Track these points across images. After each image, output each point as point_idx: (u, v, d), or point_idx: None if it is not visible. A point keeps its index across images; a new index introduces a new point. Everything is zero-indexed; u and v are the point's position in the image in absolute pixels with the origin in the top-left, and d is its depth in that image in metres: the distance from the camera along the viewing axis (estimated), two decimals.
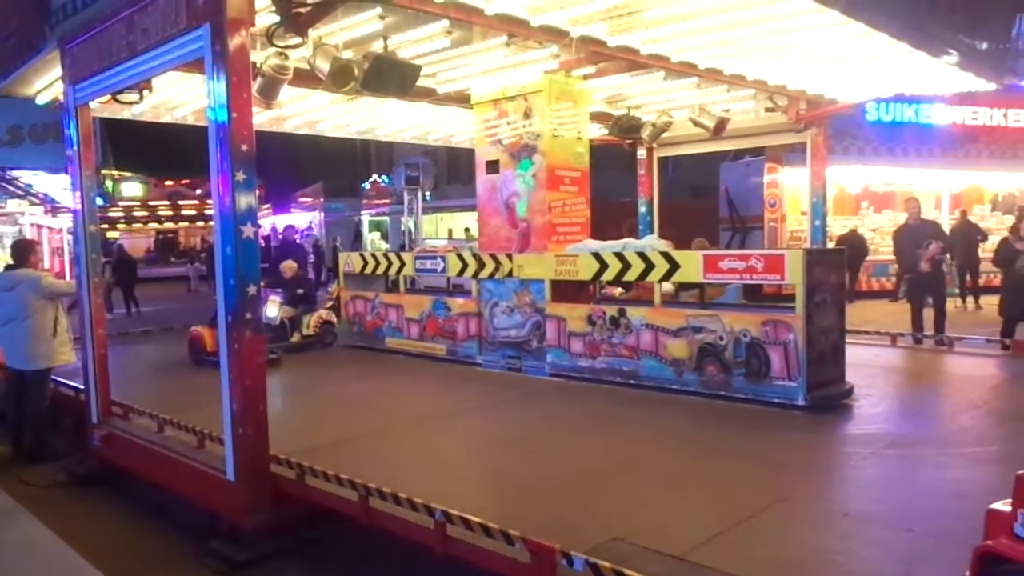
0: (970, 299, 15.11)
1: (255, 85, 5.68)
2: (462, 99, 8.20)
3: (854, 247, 16.38)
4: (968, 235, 14.97)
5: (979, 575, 2.61)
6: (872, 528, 3.59)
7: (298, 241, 23.88)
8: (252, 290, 4.57)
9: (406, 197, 16.20)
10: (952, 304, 15.40)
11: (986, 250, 13.78)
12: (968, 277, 15.14)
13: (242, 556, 4.50)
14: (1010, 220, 18.14)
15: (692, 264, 6.48)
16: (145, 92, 6.69)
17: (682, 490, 4.28)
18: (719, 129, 9.18)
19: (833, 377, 6.23)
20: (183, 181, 39.16)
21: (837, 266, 6.52)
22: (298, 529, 4.67)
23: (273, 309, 7.99)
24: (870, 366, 7.37)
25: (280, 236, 27.01)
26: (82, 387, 6.63)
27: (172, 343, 10.74)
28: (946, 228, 16.68)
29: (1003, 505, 2.61)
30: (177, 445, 5.41)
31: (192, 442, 5.34)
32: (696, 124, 9.16)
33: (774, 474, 4.47)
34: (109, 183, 36.27)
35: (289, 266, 10.41)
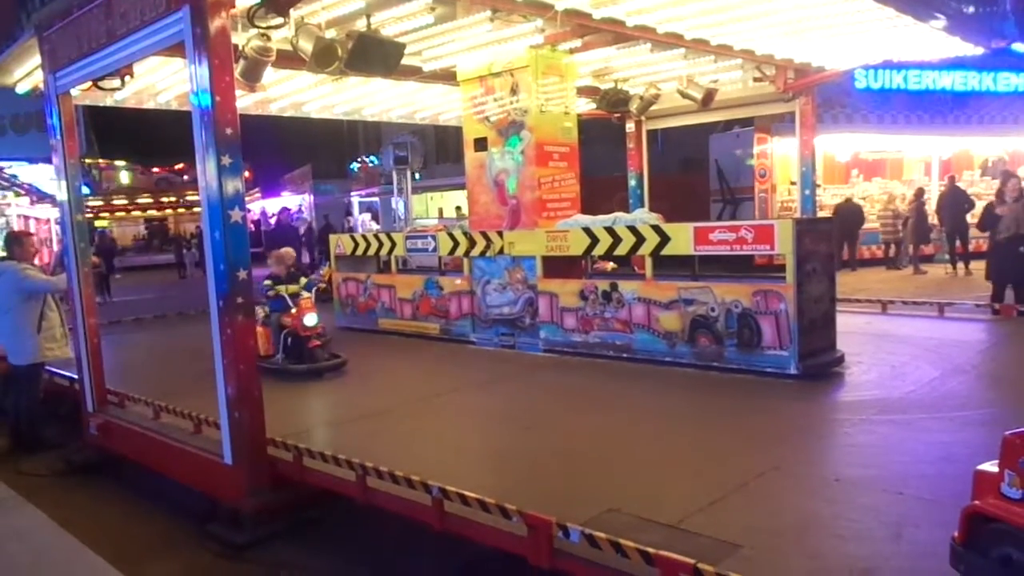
0: (960, 265, 15.18)
1: (238, 68, 5.62)
2: (448, 76, 8.14)
3: (851, 216, 16.45)
4: (956, 201, 15.01)
5: (967, 534, 2.66)
6: (863, 493, 3.64)
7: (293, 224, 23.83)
8: (243, 274, 4.57)
9: (395, 177, 16.14)
10: (943, 270, 15.54)
11: (974, 215, 13.82)
12: (958, 242, 15.19)
13: (242, 538, 4.54)
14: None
15: (682, 237, 6.49)
16: (127, 78, 6.62)
17: (676, 461, 4.33)
18: (707, 100, 9.15)
19: (824, 345, 6.27)
20: (177, 167, 38.74)
21: (826, 235, 6.54)
22: (298, 510, 4.71)
23: (313, 317, 6.93)
24: (861, 333, 7.43)
25: (274, 220, 26.94)
26: (76, 377, 6.63)
27: (166, 331, 10.76)
28: (935, 195, 16.83)
29: (990, 466, 2.65)
30: (174, 431, 5.43)
31: (189, 428, 5.36)
32: (684, 96, 9.13)
33: (766, 443, 4.51)
34: (96, 172, 35.98)
35: (288, 254, 9.18)
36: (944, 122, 18.54)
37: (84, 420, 6.43)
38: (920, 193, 16.65)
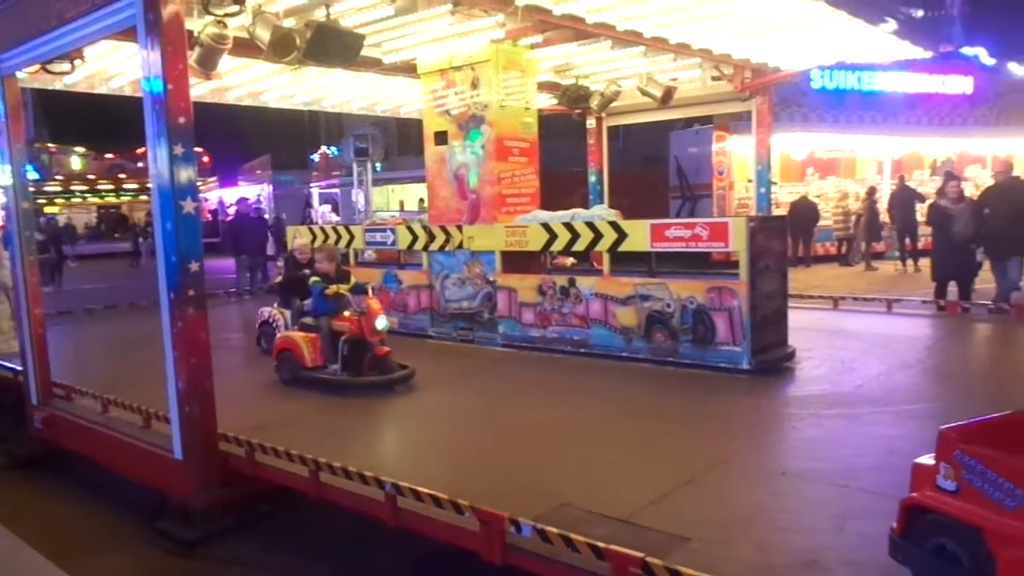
0: (910, 262, 15.59)
1: (192, 55, 5.53)
2: (409, 69, 8.09)
3: (806, 213, 16.78)
4: (906, 199, 15.40)
5: (905, 526, 2.75)
6: (809, 485, 3.73)
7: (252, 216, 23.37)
8: (195, 267, 4.50)
9: (355, 169, 15.99)
10: (893, 266, 15.94)
11: (923, 213, 14.20)
12: (908, 240, 15.59)
13: (192, 534, 4.49)
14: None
15: (639, 233, 6.55)
16: (77, 62, 6.47)
17: (629, 455, 4.38)
18: (666, 98, 9.24)
19: (776, 341, 6.39)
20: (137, 151, 37.68)
21: (780, 233, 6.67)
22: (250, 505, 4.66)
23: (384, 320, 5.96)
24: (813, 329, 7.58)
25: (232, 210, 26.42)
26: (20, 368, 6.46)
27: (117, 322, 10.53)
28: (886, 193, 17.27)
29: (928, 459, 2.74)
30: (122, 425, 5.33)
31: (138, 422, 5.27)
32: (644, 93, 9.20)
33: (717, 437, 4.59)
34: (45, 157, 34.97)
35: (334, 250, 7.45)
36: (895, 123, 19.02)
37: (28, 413, 6.27)
38: (872, 192, 17.06)
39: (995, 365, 6.75)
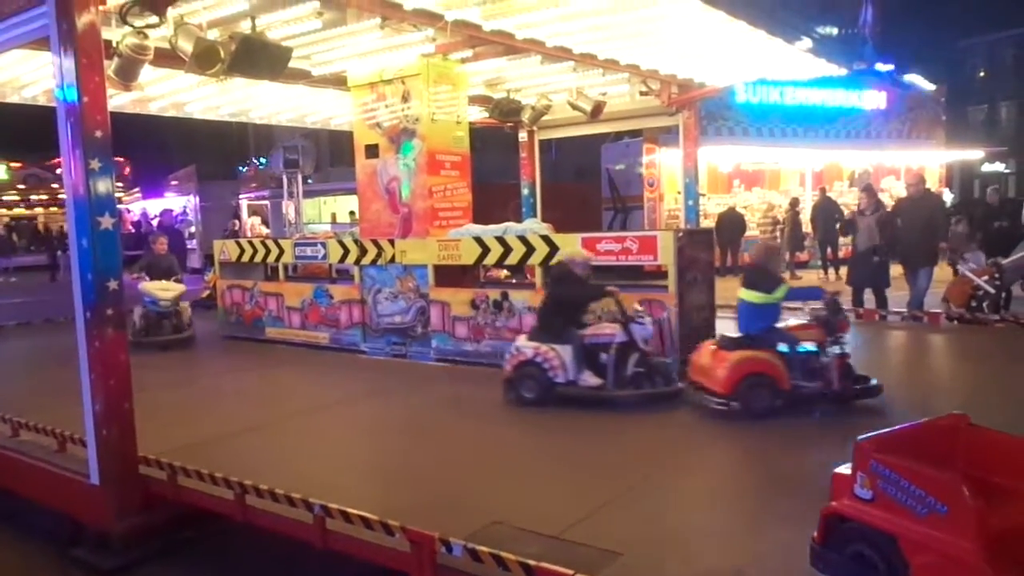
0: (831, 270, 16.16)
1: (111, 66, 5.36)
2: (339, 81, 8.00)
3: (733, 224, 17.20)
4: (828, 211, 15.96)
5: (825, 534, 2.84)
6: (734, 498, 3.82)
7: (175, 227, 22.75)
8: (113, 284, 4.34)
9: (285, 181, 15.71)
10: (816, 275, 16.50)
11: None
12: (829, 250, 16.16)
13: (110, 563, 4.29)
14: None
15: (571, 247, 6.61)
16: None
17: (560, 471, 4.40)
18: (596, 112, 9.37)
19: None
20: (50, 162, 36.10)
21: (707, 245, 6.84)
22: (173, 531, 4.49)
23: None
24: None
25: (156, 221, 25.64)
26: None
27: (31, 339, 10.05)
28: (808, 205, 17.88)
29: (845, 469, 2.84)
30: (35, 449, 5.08)
31: (52, 445, 5.03)
32: (574, 107, 9.31)
33: (645, 452, 4.66)
34: None
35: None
36: (816, 136, 19.74)
37: None
38: (795, 203, 17.63)
39: (911, 372, 7.03)
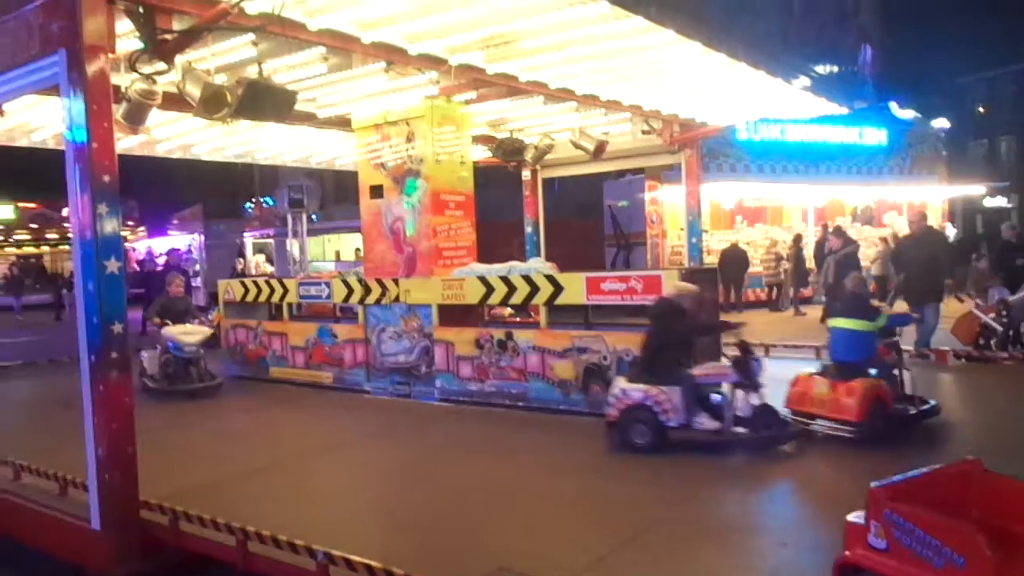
0: None
1: (120, 110, 5.41)
2: (343, 123, 8.09)
3: (736, 260, 17.21)
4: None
5: None
6: (750, 539, 3.75)
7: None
8: (118, 328, 4.33)
9: (290, 219, 15.80)
10: (820, 311, 16.43)
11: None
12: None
13: None
14: (868, 231, 19.59)
15: (575, 286, 6.62)
16: None
17: (569, 514, 4.34)
18: (599, 151, 9.44)
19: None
20: (55, 203, 36.43)
21: (711, 283, 6.82)
22: None
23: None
24: None
25: (162, 260, 25.71)
26: None
27: (35, 379, 10.03)
28: (812, 241, 17.90)
29: (858, 517, 2.79)
30: (36, 493, 5.03)
31: (54, 490, 4.99)
32: (577, 146, 9.39)
33: (656, 492, 4.59)
34: None
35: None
36: (817, 172, 19.83)
37: None
38: (798, 239, 17.65)
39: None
